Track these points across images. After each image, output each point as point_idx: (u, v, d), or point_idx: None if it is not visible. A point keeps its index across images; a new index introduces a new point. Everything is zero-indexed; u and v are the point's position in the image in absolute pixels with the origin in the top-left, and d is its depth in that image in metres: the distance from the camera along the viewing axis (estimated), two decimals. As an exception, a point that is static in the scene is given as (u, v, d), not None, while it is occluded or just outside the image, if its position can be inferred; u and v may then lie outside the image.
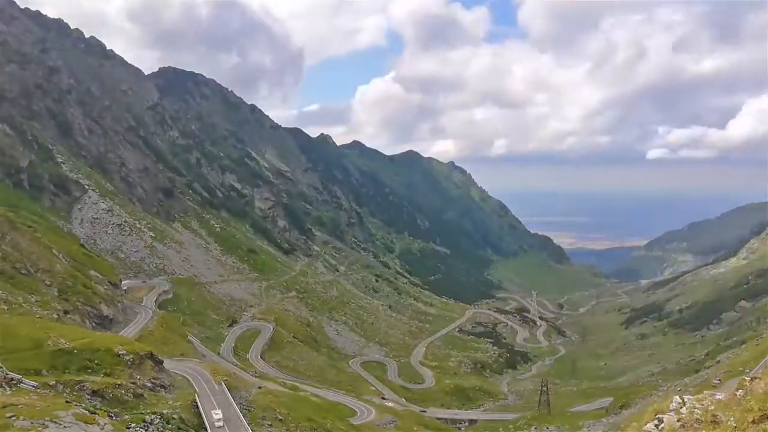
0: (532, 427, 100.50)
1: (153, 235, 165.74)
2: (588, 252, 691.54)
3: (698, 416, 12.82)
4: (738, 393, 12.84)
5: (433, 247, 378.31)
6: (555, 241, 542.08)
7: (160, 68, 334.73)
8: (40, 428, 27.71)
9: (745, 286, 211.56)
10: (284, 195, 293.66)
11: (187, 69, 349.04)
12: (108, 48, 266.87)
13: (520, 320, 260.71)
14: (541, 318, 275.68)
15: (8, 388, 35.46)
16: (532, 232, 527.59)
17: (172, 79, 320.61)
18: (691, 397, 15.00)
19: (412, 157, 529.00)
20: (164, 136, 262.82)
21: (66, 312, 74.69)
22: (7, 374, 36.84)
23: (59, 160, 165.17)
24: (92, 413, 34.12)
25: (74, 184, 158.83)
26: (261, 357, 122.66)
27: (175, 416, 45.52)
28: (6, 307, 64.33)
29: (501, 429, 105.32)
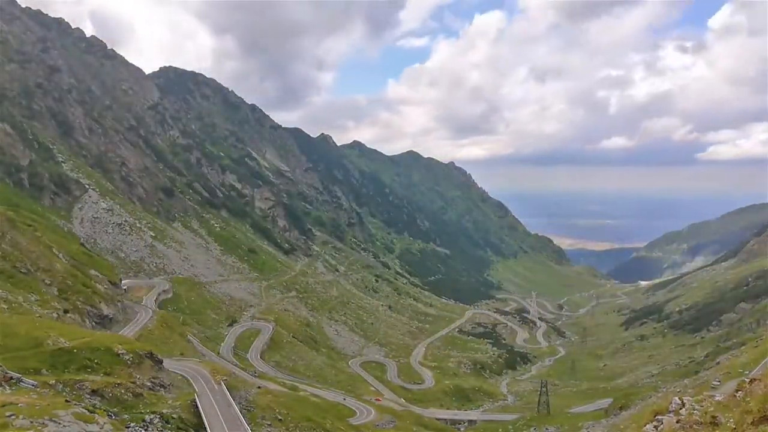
0: (532, 428, 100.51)
1: (153, 234, 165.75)
2: (588, 253, 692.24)
3: (697, 417, 12.84)
4: (737, 394, 12.85)
5: (433, 248, 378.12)
6: (555, 242, 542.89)
7: (160, 68, 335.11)
8: (40, 427, 27.69)
9: (744, 287, 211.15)
10: (284, 195, 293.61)
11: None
12: (109, 47, 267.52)
13: (519, 321, 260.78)
14: (540, 319, 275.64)
15: (8, 387, 35.45)
16: (533, 232, 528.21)
17: (172, 79, 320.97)
18: (691, 398, 15.03)
19: (412, 157, 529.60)
20: (164, 135, 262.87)
21: (66, 311, 74.63)
22: (6, 373, 36.85)
23: (60, 159, 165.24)
24: (91, 412, 34.07)
25: (74, 184, 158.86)
26: (261, 357, 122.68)
27: (174, 416, 45.48)
28: (6, 306, 64.30)
29: (500, 430, 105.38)
